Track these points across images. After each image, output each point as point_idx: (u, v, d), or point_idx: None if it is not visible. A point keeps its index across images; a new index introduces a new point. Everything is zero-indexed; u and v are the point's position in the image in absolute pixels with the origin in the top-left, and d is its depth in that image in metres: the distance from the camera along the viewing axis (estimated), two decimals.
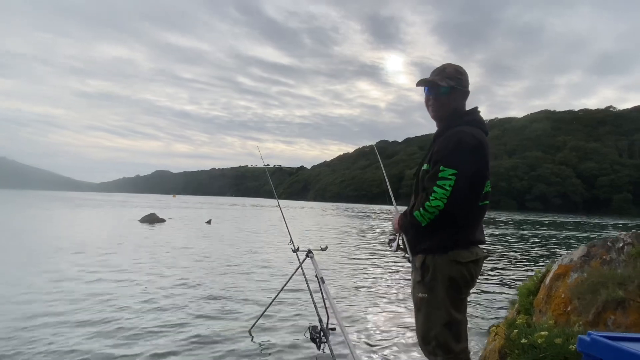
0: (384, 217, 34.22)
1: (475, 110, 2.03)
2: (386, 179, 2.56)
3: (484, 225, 2.09)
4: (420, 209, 1.83)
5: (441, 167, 1.77)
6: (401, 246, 2.02)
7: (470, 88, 2.05)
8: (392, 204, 2.26)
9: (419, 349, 2.06)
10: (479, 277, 2.07)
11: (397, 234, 2.06)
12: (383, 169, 2.70)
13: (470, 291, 2.08)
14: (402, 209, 2.10)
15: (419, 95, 2.18)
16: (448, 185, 1.74)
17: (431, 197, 1.78)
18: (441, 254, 1.88)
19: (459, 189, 1.74)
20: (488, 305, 5.84)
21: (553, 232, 24.78)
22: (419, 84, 2.00)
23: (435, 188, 1.78)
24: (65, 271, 6.98)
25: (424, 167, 1.94)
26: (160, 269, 7.55)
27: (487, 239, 2.15)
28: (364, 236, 16.80)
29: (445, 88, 1.94)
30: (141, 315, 4.66)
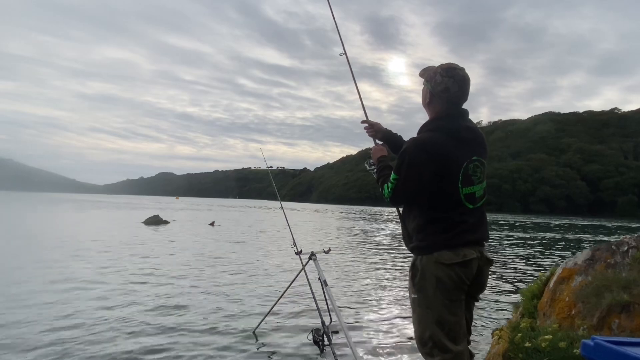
0: (387, 219, 34.17)
1: (446, 115, 1.98)
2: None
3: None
4: (380, 187, 2.10)
5: (392, 172, 2.00)
6: (373, 173, 2.24)
7: (471, 90, 2.00)
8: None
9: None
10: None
11: (374, 166, 2.26)
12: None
13: (479, 296, 2.06)
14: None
15: (420, 97, 2.15)
16: (391, 187, 1.98)
17: (385, 187, 2.04)
18: (428, 254, 1.92)
19: (396, 193, 1.97)
20: (491, 308, 5.82)
21: (557, 235, 24.65)
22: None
23: (385, 185, 2.05)
24: (72, 274, 7.02)
25: None
26: (163, 272, 7.56)
27: (490, 242, 2.13)
28: (367, 238, 16.78)
29: (422, 77, 2.08)
30: (143, 315, 4.68)
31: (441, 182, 1.90)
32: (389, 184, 1.99)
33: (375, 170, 2.23)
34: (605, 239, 22.45)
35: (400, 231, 2.17)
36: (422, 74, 2.07)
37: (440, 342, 1.86)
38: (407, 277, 2.05)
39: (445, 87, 1.94)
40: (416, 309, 1.96)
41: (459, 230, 1.91)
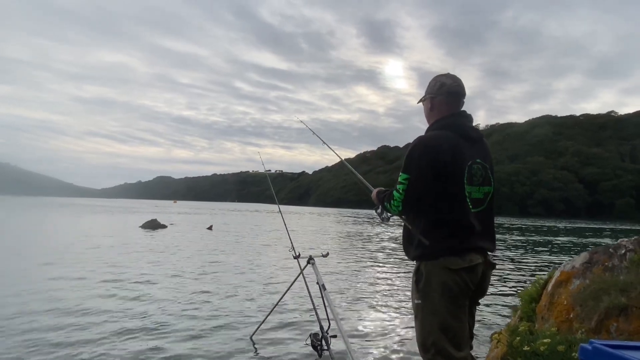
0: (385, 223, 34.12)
1: (451, 115, 2.03)
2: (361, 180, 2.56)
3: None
4: (387, 204, 2.02)
5: (400, 173, 1.94)
6: (389, 214, 2.14)
7: (467, 92, 2.09)
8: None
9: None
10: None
11: (380, 206, 2.16)
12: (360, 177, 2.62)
13: (480, 300, 2.05)
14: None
15: (417, 101, 2.23)
16: (402, 189, 1.91)
17: (392, 200, 1.97)
18: (433, 260, 1.89)
19: (408, 193, 1.90)
20: (490, 312, 5.81)
21: (555, 238, 24.68)
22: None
23: (394, 192, 1.97)
24: (66, 277, 6.98)
25: None
26: (160, 276, 7.53)
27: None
28: (365, 242, 16.75)
29: (421, 101, 2.17)
30: (141, 321, 4.65)
31: (446, 182, 1.89)
32: (399, 186, 1.93)
33: (379, 206, 2.15)
34: (603, 241, 22.48)
35: (399, 233, 2.15)
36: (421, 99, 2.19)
37: (443, 348, 1.83)
38: (409, 282, 2.03)
39: (441, 83, 2.06)
40: (419, 314, 1.92)
41: (465, 235, 1.89)
